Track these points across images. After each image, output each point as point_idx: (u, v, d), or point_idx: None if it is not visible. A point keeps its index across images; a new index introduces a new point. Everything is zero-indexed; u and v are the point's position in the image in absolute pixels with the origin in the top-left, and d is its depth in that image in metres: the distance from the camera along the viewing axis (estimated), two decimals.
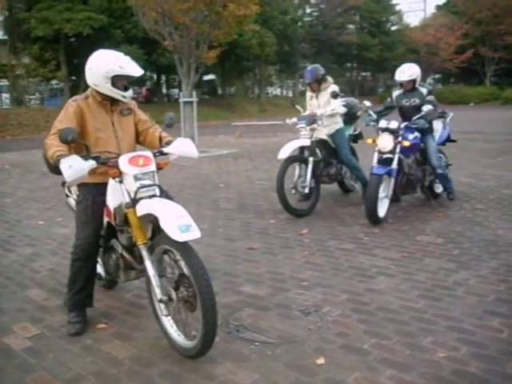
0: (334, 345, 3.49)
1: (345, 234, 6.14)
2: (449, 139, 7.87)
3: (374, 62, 52.93)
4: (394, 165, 6.49)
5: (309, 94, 7.60)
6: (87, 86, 3.83)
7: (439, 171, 6.98)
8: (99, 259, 4.14)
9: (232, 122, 22.36)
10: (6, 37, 31.98)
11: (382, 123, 6.70)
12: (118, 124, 3.85)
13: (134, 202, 3.39)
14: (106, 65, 3.65)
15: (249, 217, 7.14)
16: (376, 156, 6.64)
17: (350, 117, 7.76)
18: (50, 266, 5.33)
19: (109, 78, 3.63)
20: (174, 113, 24.64)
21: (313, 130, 7.07)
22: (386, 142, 6.53)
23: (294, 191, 6.94)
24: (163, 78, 43.75)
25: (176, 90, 41.13)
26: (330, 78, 7.45)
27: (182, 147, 3.73)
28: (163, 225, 3.11)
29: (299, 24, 48.06)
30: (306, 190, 6.95)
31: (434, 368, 3.16)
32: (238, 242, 5.95)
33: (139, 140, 4.05)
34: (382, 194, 6.46)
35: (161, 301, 3.33)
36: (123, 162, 3.44)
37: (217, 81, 48.64)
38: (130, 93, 3.76)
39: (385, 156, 6.55)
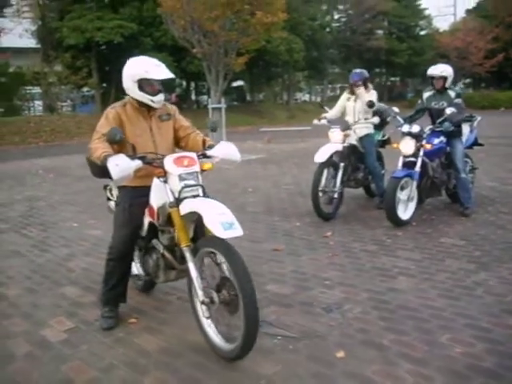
0: (354, 340, 3.63)
1: (368, 236, 6.27)
2: (476, 143, 7.92)
3: (402, 67, 52.60)
4: (417, 168, 6.60)
5: (347, 95, 7.77)
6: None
7: (462, 175, 7.03)
8: (137, 260, 4.32)
9: (260, 128, 22.51)
10: (39, 45, 32.67)
11: (405, 127, 6.81)
12: (156, 129, 3.94)
13: (178, 201, 3.43)
14: (132, 69, 3.78)
15: (275, 220, 7.30)
16: (401, 160, 6.77)
17: (379, 122, 7.89)
18: (84, 265, 5.57)
19: (135, 81, 3.75)
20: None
21: (346, 135, 7.22)
22: (407, 146, 6.65)
23: (321, 194, 7.06)
24: (192, 84, 44.14)
25: (205, 97, 41.46)
26: (371, 86, 7.68)
27: (225, 150, 3.78)
28: (207, 221, 3.17)
29: (327, 30, 48.02)
30: (336, 195, 7.11)
31: (450, 363, 3.29)
32: (263, 243, 6.12)
33: (181, 145, 4.12)
34: (403, 196, 6.58)
35: (203, 302, 3.35)
36: (168, 162, 3.49)
37: (245, 87, 48.88)
38: (160, 97, 3.83)
39: (408, 159, 6.68)
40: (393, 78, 62.06)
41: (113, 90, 31.38)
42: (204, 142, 3.95)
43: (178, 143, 4.14)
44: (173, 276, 3.98)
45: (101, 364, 3.44)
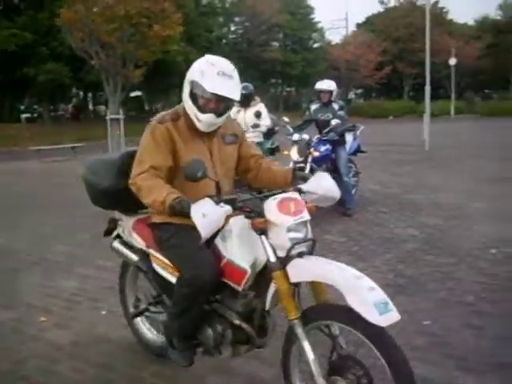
0: None
1: None
2: (359, 150, 8.75)
3: (297, 78, 54.37)
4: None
5: (236, 108, 8.29)
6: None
7: (345, 179, 7.76)
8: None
9: None
10: None
11: (295, 136, 7.47)
12: (217, 154, 3.03)
13: (285, 261, 2.54)
14: (195, 65, 3.00)
15: None
16: (291, 165, 7.37)
17: (268, 131, 8.45)
18: None
19: (188, 83, 3.01)
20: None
21: None
22: (296, 153, 7.30)
23: None
24: (90, 94, 43.57)
25: (103, 107, 41.03)
26: (257, 98, 8.28)
27: (324, 183, 2.84)
28: (353, 302, 2.27)
29: (224, 41, 48.93)
30: None
31: None
32: None
33: (246, 177, 3.25)
34: None
35: None
36: (271, 207, 2.55)
37: (143, 97, 48.79)
38: (211, 118, 2.89)
39: (298, 165, 7.29)
40: (288, 89, 63.90)
41: (7, 101, 30.58)
42: (294, 172, 3.06)
43: (241, 174, 3.26)
44: (243, 351, 2.99)
45: (15, 357, 3.70)
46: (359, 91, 68.87)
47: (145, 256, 3.24)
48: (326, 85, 7.95)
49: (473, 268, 5.34)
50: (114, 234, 3.55)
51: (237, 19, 53.65)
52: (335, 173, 7.89)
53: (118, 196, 3.06)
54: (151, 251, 3.15)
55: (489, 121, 37.15)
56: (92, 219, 7.97)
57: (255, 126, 7.90)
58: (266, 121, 8.00)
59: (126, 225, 3.38)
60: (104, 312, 4.47)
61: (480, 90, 64.13)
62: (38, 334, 4.09)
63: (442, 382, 3.21)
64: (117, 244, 3.51)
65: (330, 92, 7.92)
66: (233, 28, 54.64)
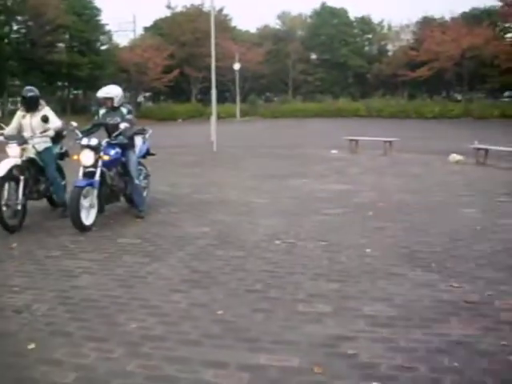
0: (43, 332, 4.06)
1: (53, 243, 6.66)
2: (148, 153, 8.92)
3: (85, 81, 52.78)
4: (96, 177, 7.25)
5: (21, 113, 7.98)
6: None
7: (136, 181, 7.93)
8: None
9: None
10: None
11: (84, 140, 7.41)
12: None
13: None
14: None
15: None
16: (81, 170, 7.34)
17: (56, 136, 8.25)
18: None
19: None
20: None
21: (23, 149, 7.45)
22: (87, 157, 7.27)
23: (5, 208, 7.16)
24: None
25: None
26: (43, 102, 8.02)
27: None
28: None
29: (5, 41, 45.98)
30: (19, 207, 7.29)
31: (126, 336, 3.95)
32: None
33: None
34: (86, 203, 7.14)
35: None
36: None
37: None
38: None
39: (88, 170, 7.28)
40: (75, 91, 61.96)
41: None
42: None
43: None
44: None
45: None
46: (148, 94, 69.05)
47: None
48: (105, 92, 8.02)
49: (260, 259, 5.82)
50: None
51: (19, 18, 50.61)
52: (126, 176, 8.00)
53: None
54: None
55: (272, 122, 39.65)
56: None
57: (44, 131, 7.70)
58: (55, 123, 7.83)
59: None
60: None
61: (262, 93, 68.16)
62: None
63: (237, 363, 3.50)
64: None
65: (111, 98, 8.01)
66: (15, 27, 51.43)
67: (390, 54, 65.94)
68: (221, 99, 50.35)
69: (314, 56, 66.07)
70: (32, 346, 3.83)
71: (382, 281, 5.07)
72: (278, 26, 68.62)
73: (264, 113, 53.33)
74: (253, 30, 69.80)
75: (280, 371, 3.37)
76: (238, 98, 50.41)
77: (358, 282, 5.05)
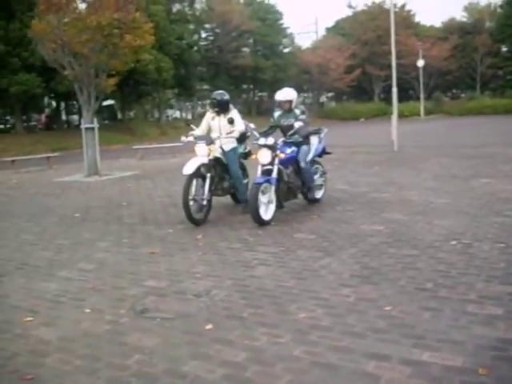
0: (220, 316, 4.40)
1: (233, 236, 7.10)
2: (324, 152, 9.11)
3: (268, 83, 54.75)
4: (274, 174, 7.58)
5: (210, 114, 8.60)
6: None
7: (302, 164, 8.21)
8: None
9: (133, 146, 22.89)
10: None
11: (261, 140, 7.79)
12: None
13: None
14: None
15: (150, 228, 7.95)
16: (259, 168, 7.73)
17: (241, 136, 8.75)
18: None
19: None
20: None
21: (211, 149, 8.04)
22: (264, 156, 7.63)
23: (192, 202, 7.80)
24: (62, 104, 43.45)
25: (76, 116, 40.98)
26: (231, 105, 8.63)
27: None
28: None
29: (195, 48, 49.20)
30: (205, 202, 7.89)
31: (295, 324, 4.14)
32: (140, 248, 6.77)
33: None
34: (264, 199, 7.51)
35: None
36: None
37: (116, 105, 48.82)
38: None
39: (265, 168, 7.64)
40: (260, 94, 64.36)
41: None
42: None
43: None
44: None
45: (5, 354, 3.94)
46: (330, 94, 69.63)
47: None
48: (283, 95, 8.40)
49: (433, 258, 5.71)
50: None
51: (207, 26, 53.97)
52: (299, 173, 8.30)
53: None
54: None
55: (458, 119, 37.97)
56: (69, 227, 8.25)
57: (230, 132, 8.23)
58: (239, 126, 8.32)
59: None
60: (88, 310, 4.73)
61: (448, 90, 65.38)
62: (24, 332, 4.34)
63: (399, 357, 3.52)
64: None
65: (290, 101, 8.33)
66: (204, 35, 54.96)
67: None
68: (404, 97, 49.46)
69: (504, 48, 61.86)
70: (209, 326, 4.18)
71: None
72: (464, 19, 65.30)
73: (449, 110, 51.25)
74: (438, 25, 67.21)
75: (442, 369, 3.32)
76: (421, 96, 48.94)
77: None
